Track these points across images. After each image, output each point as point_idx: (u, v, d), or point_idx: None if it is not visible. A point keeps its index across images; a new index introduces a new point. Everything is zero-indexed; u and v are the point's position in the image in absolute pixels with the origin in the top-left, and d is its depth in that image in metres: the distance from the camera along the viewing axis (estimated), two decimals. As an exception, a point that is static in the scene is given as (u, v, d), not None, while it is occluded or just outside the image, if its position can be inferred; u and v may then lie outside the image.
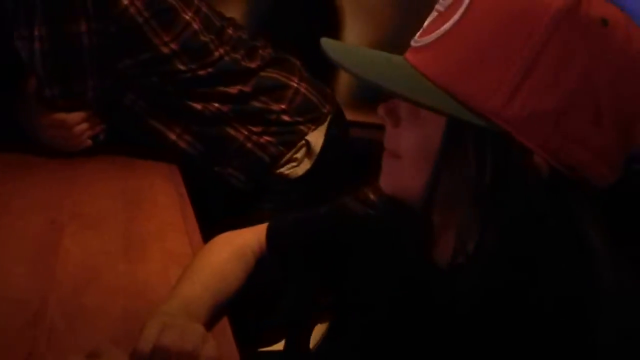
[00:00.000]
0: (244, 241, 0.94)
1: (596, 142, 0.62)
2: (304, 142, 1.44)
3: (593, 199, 0.64)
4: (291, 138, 1.43)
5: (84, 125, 1.35)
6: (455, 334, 0.64)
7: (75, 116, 1.33)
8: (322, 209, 0.93)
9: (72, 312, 0.86)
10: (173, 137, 1.38)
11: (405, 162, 0.68)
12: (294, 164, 1.44)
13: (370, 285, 0.80)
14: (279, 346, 1.27)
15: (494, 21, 0.61)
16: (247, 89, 1.39)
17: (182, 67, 1.33)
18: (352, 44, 2.11)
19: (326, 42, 0.66)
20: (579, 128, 0.61)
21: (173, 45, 1.31)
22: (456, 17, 0.63)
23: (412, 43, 0.68)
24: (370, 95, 0.65)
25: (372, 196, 0.84)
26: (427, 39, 0.65)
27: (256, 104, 1.40)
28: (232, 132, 1.39)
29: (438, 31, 0.64)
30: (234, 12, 1.69)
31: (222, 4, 1.62)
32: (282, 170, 1.43)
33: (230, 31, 1.43)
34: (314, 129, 1.45)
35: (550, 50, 0.59)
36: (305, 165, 1.45)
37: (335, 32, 2.08)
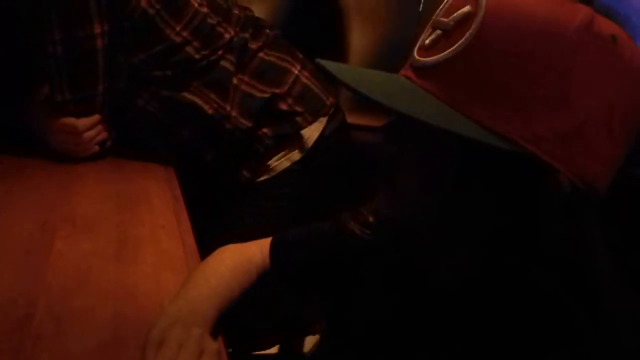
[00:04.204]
0: (250, 254, 0.95)
1: (609, 153, 0.61)
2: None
3: (600, 213, 0.63)
4: (287, 130, 1.40)
5: (94, 132, 1.34)
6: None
7: (85, 122, 1.31)
8: (324, 226, 0.93)
9: (61, 315, 0.85)
10: (186, 133, 1.38)
11: (411, 190, 0.66)
12: (284, 152, 1.41)
13: (369, 300, 0.80)
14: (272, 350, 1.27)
15: (512, 42, 0.58)
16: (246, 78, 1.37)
17: (195, 55, 1.33)
18: (356, 46, 2.12)
19: (328, 65, 0.62)
20: (598, 143, 0.60)
21: (184, 34, 1.31)
22: (467, 36, 0.60)
23: (414, 63, 0.64)
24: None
25: (370, 219, 0.82)
26: (434, 59, 0.61)
27: (258, 94, 1.37)
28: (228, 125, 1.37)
29: (448, 51, 0.61)
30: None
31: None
32: (270, 162, 1.42)
33: (236, 11, 1.42)
34: (312, 121, 1.41)
35: (574, 69, 0.58)
36: (295, 156, 1.42)
37: (339, 32, 2.08)
